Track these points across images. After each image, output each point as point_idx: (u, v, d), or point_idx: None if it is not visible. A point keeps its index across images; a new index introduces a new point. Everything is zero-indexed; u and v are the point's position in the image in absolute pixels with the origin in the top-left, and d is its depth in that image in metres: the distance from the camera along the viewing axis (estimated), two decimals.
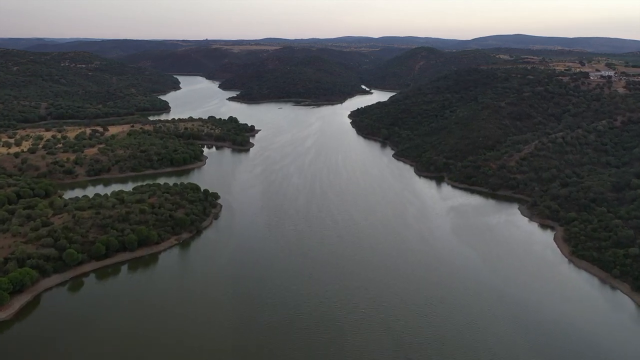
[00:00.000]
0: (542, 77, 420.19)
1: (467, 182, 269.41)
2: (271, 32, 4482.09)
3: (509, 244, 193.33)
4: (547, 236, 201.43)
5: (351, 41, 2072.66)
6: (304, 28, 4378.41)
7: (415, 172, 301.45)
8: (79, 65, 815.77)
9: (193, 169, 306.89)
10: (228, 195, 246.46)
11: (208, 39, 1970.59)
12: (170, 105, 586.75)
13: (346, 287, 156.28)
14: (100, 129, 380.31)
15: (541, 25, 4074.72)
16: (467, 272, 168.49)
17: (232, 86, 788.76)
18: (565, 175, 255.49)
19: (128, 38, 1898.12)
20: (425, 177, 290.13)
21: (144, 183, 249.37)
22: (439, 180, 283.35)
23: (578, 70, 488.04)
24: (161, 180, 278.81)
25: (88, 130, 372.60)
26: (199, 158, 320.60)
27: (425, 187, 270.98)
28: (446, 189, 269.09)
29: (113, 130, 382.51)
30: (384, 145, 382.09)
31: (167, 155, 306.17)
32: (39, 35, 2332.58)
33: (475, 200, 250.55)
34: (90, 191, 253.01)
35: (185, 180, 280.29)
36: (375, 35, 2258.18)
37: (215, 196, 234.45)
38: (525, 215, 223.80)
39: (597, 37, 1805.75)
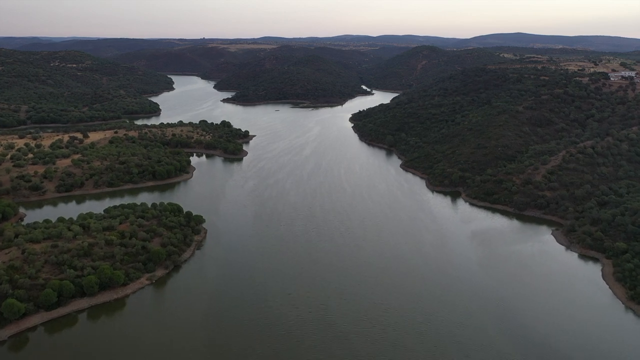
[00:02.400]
0: (560, 79, 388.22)
1: (488, 199, 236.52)
2: (269, 30, 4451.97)
3: (549, 283, 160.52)
4: (593, 272, 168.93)
5: (349, 40, 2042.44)
6: (302, 27, 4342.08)
7: (427, 186, 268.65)
8: (69, 65, 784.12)
9: (178, 182, 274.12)
10: (215, 217, 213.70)
11: (205, 37, 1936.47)
12: (160, 107, 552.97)
13: (355, 354, 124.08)
14: (79, 135, 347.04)
15: (541, 23, 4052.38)
16: (505, 324, 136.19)
17: (227, 87, 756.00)
18: (602, 192, 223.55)
19: (125, 37, 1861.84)
20: (439, 192, 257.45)
21: (118, 204, 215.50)
22: (454, 196, 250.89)
23: (592, 70, 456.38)
24: (141, 197, 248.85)
25: (66, 137, 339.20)
26: (185, 170, 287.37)
27: (441, 206, 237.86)
28: (464, 207, 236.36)
29: (94, 136, 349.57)
30: (389, 153, 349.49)
31: (149, 167, 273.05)
32: (37, 34, 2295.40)
33: (499, 222, 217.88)
34: (59, 211, 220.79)
35: (168, 196, 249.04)
36: (374, 34, 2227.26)
37: (200, 220, 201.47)
38: (561, 243, 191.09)
39: (597, 36, 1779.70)
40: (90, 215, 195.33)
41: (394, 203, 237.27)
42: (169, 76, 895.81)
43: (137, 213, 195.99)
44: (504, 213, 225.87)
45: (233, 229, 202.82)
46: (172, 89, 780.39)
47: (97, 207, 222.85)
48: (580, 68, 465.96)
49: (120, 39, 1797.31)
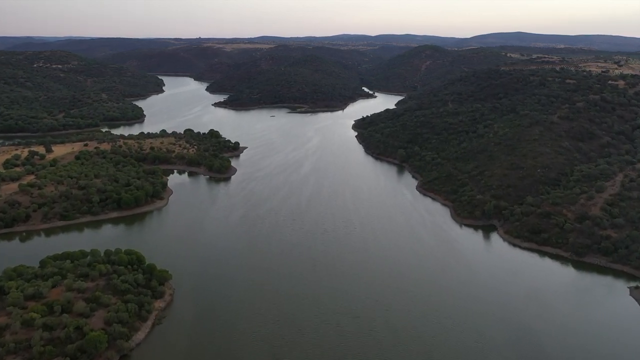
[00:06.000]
0: (592, 82, 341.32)
1: (535, 239, 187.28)
2: (266, 30, 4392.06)
3: None
4: None
5: (347, 39, 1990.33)
6: (299, 26, 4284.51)
7: (452, 216, 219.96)
8: (53, 66, 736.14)
9: (150, 211, 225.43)
10: (187, 266, 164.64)
11: (201, 37, 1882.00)
12: (145, 113, 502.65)
13: None
14: (41, 149, 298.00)
15: (541, 23, 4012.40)
16: None
17: (220, 89, 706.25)
18: None
19: (121, 36, 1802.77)
20: (469, 225, 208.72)
21: (61, 252, 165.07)
22: (488, 231, 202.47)
23: (618, 72, 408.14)
24: (102, 232, 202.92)
25: (25, 152, 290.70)
26: (158, 195, 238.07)
27: (476, 249, 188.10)
28: (505, 249, 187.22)
29: (59, 150, 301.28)
30: (401, 170, 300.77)
31: (113, 194, 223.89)
32: (34, 34, 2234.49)
33: (555, 274, 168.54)
34: None
35: (135, 233, 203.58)
36: (372, 34, 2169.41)
37: (164, 277, 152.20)
38: None
39: (598, 35, 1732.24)
40: (18, 271, 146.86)
41: (416, 245, 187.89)
42: (160, 77, 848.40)
43: (81, 269, 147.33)
44: (556, 258, 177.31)
45: (209, 286, 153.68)
46: (162, 91, 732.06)
47: (41, 249, 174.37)
48: (603, 69, 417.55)
49: (116, 38, 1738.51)
